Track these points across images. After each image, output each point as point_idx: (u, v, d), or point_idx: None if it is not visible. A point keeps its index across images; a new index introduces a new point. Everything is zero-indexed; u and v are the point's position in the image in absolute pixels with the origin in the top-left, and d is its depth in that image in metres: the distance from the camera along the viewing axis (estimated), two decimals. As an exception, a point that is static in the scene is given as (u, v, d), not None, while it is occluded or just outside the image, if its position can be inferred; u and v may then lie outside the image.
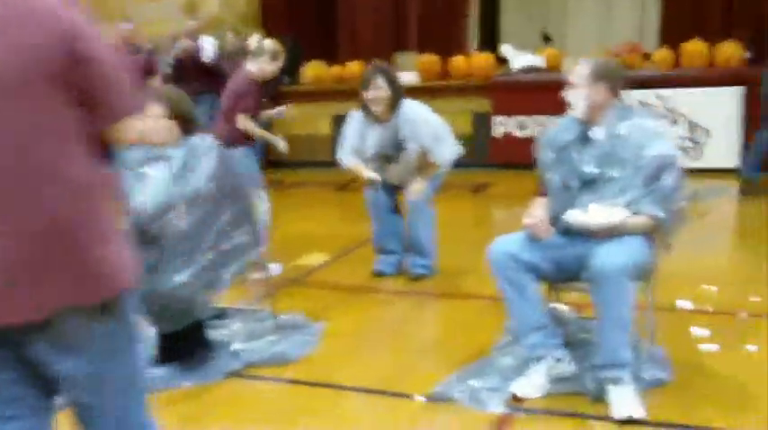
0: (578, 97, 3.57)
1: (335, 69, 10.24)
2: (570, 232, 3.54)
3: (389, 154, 5.34)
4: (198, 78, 10.10)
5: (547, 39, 10.10)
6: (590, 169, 3.56)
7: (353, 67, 10.13)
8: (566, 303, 4.34)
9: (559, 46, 10.01)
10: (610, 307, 3.32)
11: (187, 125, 4.05)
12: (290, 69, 10.42)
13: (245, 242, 4.00)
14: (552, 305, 4.18)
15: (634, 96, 8.70)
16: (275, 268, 6.19)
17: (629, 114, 3.57)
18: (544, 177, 3.76)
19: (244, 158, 5.85)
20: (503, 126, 9.34)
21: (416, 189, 5.34)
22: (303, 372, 4.05)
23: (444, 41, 10.31)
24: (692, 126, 8.62)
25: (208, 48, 10.12)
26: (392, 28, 10.66)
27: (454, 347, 4.23)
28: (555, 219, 3.60)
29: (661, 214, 3.41)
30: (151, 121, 3.86)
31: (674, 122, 8.68)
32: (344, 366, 4.11)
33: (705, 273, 5.24)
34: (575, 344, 3.91)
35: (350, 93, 9.77)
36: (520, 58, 9.05)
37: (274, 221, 7.27)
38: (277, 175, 9.85)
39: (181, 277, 3.75)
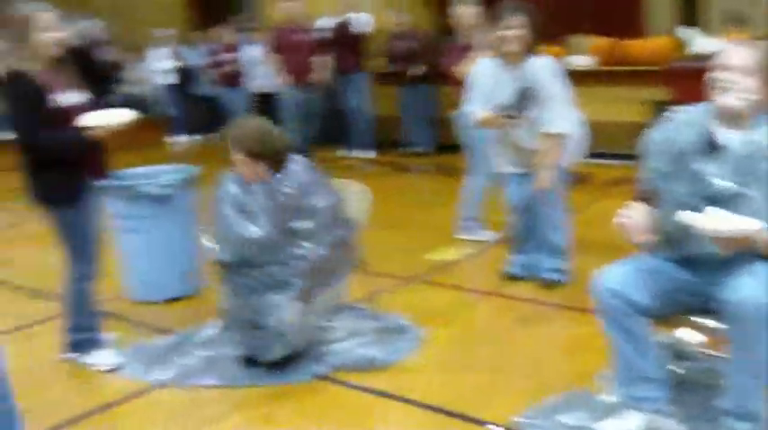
0: (740, 86, 2.85)
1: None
2: (690, 260, 2.97)
3: (517, 106, 4.67)
4: (350, 54, 9.98)
5: (738, 21, 9.03)
6: (723, 184, 2.86)
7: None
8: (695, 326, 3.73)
9: (752, 29, 8.92)
10: (745, 349, 2.76)
11: (278, 163, 3.91)
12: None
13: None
14: (675, 333, 3.62)
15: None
16: (487, 234, 6.07)
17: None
18: (654, 185, 3.10)
19: None
20: (683, 117, 8.48)
21: (542, 177, 4.76)
22: (384, 381, 3.78)
23: (621, 24, 9.50)
24: None
25: (363, 20, 9.94)
26: (565, 10, 9.96)
27: (556, 370, 3.79)
28: (668, 241, 3.01)
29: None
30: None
31: None
32: (427, 379, 3.79)
33: None
34: (690, 387, 3.34)
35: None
36: (700, 43, 8.14)
37: (432, 208, 7.06)
38: (450, 160, 9.52)
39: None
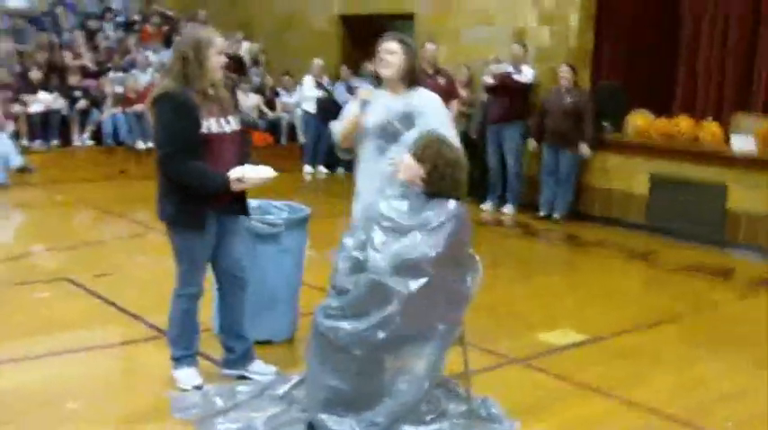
0: None
1: (661, 123, 9.19)
2: None
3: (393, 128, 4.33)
4: (509, 102, 9.70)
5: None
6: None
7: (682, 123, 9.01)
8: None
9: None
10: None
11: (447, 189, 3.70)
12: (613, 116, 9.59)
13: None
14: None
15: None
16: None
17: None
18: None
19: None
20: None
21: None
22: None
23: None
24: None
25: (527, 72, 9.68)
26: (736, 87, 9.37)
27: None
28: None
29: None
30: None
31: None
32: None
33: None
34: None
35: (675, 151, 8.84)
36: None
37: (554, 284, 6.72)
38: (575, 229, 9.11)
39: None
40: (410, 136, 4.13)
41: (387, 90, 4.35)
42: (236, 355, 4.30)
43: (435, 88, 9.08)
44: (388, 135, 4.28)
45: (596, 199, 9.68)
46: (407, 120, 4.26)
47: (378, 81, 4.38)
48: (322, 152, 12.40)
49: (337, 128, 4.51)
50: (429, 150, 3.71)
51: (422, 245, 3.53)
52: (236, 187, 3.89)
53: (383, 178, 4.14)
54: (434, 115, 4.29)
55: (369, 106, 4.30)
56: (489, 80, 9.85)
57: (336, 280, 3.71)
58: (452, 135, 4.22)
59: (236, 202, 4.13)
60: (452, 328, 3.69)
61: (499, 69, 9.86)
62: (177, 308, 4.12)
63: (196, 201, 3.90)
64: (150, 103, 3.91)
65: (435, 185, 3.69)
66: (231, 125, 3.99)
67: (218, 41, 3.91)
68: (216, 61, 3.87)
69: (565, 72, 9.39)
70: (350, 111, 4.42)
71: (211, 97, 3.90)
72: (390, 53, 4.27)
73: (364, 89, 4.39)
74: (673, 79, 9.96)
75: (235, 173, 3.87)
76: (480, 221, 9.22)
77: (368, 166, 4.37)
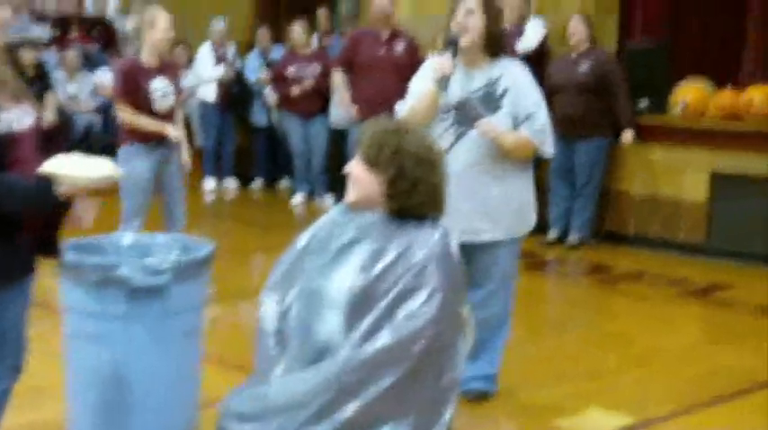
0: None
1: (725, 97, 9.16)
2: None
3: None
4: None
5: None
6: None
7: (756, 96, 9.00)
8: None
9: None
10: None
11: (422, 203, 3.60)
12: (651, 89, 9.56)
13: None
14: None
15: None
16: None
17: None
18: None
19: None
20: None
21: None
22: None
23: None
24: None
25: (530, 35, 9.70)
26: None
27: None
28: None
29: None
30: None
31: None
32: None
33: None
34: None
35: (747, 137, 8.85)
36: None
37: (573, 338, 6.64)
38: (602, 257, 9.18)
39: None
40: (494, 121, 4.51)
41: (462, 62, 4.73)
42: None
43: (389, 60, 9.14)
44: (466, 119, 4.63)
45: (630, 211, 9.74)
46: (489, 99, 4.65)
47: (455, 49, 4.67)
48: (228, 157, 12.40)
49: (405, 110, 4.81)
50: (387, 148, 3.57)
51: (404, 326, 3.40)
52: (65, 191, 3.55)
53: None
54: (526, 94, 4.72)
55: (448, 82, 4.64)
56: None
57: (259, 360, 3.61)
58: (545, 122, 4.73)
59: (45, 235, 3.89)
60: (432, 418, 3.55)
61: None
62: None
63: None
64: None
65: (405, 200, 3.55)
66: (30, 117, 3.71)
67: None
68: None
69: (576, 27, 9.32)
70: (422, 88, 4.72)
71: None
72: (470, 13, 4.67)
73: (441, 59, 4.63)
74: (738, 35, 10.04)
75: (50, 166, 3.55)
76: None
77: None
